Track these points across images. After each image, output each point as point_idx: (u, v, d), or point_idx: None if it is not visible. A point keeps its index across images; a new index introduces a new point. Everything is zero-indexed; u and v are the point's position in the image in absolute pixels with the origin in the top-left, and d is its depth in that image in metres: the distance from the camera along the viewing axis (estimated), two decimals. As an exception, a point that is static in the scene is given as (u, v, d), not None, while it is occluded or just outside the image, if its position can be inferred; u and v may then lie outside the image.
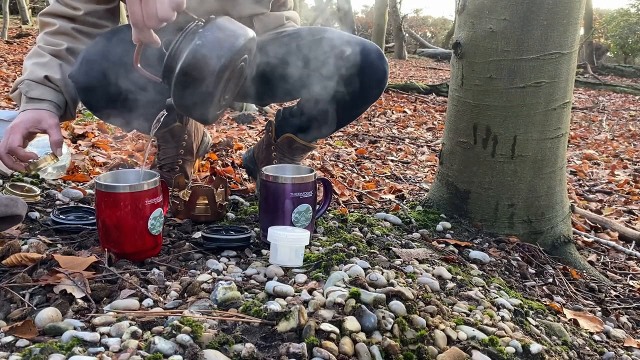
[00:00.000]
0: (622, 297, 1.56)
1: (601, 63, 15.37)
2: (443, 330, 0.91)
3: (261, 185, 1.30)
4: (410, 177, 2.95)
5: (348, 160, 3.21)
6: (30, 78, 1.39)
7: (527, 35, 1.56)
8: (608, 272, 1.76)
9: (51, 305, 0.90)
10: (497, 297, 1.16)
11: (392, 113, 5.76)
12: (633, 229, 2.25)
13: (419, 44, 18.84)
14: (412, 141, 4.23)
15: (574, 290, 1.50)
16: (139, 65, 1.13)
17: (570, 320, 1.25)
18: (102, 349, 0.77)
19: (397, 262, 1.23)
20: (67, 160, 1.89)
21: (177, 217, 1.45)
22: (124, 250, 1.12)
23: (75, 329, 0.82)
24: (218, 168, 2.31)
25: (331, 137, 3.90)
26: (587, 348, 1.11)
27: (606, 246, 2.00)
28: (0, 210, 1.09)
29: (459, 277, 1.22)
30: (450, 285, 1.16)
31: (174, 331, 0.78)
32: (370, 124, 4.96)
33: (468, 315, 1.02)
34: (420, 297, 0.99)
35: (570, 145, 4.48)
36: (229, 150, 2.75)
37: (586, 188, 3.16)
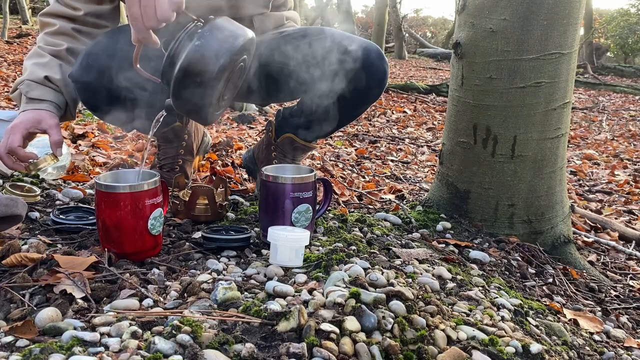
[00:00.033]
0: (622, 297, 1.56)
1: (601, 63, 15.38)
2: (443, 330, 0.91)
3: (261, 185, 1.30)
4: (410, 177, 2.95)
5: (348, 160, 3.21)
6: (30, 78, 1.39)
7: (527, 35, 1.56)
8: (608, 272, 1.76)
9: (51, 305, 0.90)
10: (497, 297, 1.16)
11: (392, 113, 5.76)
12: (633, 229, 2.25)
13: (419, 44, 18.84)
14: (412, 141, 4.23)
15: (574, 290, 1.50)
16: (138, 65, 1.13)
17: (570, 320, 1.25)
18: (102, 349, 0.77)
19: (397, 262, 1.23)
20: (67, 160, 1.89)
21: (177, 217, 1.45)
22: (124, 250, 1.12)
23: (75, 329, 0.82)
24: (218, 168, 2.31)
25: (331, 137, 3.90)
26: (587, 348, 1.11)
27: (606, 246, 2.00)
28: (0, 210, 1.09)
29: (459, 277, 1.22)
30: (450, 285, 1.16)
31: (174, 331, 0.78)
32: (370, 124, 4.96)
33: (468, 315, 1.02)
34: (420, 297, 0.99)
35: (570, 145, 4.48)
36: (229, 150, 2.76)
37: (586, 188, 3.16)
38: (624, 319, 1.39)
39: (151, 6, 1.00)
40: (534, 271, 1.54)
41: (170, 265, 1.13)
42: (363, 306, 0.88)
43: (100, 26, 1.51)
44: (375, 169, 3.08)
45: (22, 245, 1.13)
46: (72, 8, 1.46)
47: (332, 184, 1.53)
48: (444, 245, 1.50)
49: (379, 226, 1.54)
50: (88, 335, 0.79)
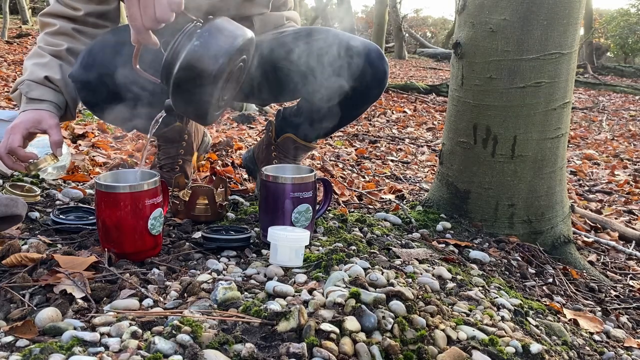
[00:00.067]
0: (622, 297, 1.56)
1: (601, 63, 15.38)
2: (443, 330, 0.91)
3: (261, 185, 1.30)
4: (410, 177, 2.95)
5: (348, 160, 3.21)
6: (30, 78, 1.39)
7: (527, 35, 1.56)
8: (608, 272, 1.76)
9: (51, 305, 0.90)
10: (497, 297, 1.16)
11: (392, 113, 5.76)
12: (633, 229, 2.25)
13: (419, 44, 18.84)
14: (412, 141, 4.23)
15: (574, 290, 1.50)
16: (137, 66, 1.13)
17: (570, 320, 1.25)
18: (102, 349, 0.77)
19: (397, 262, 1.23)
20: (67, 160, 1.89)
21: (177, 217, 1.45)
22: (124, 250, 1.12)
23: (75, 329, 0.82)
24: (218, 168, 2.31)
25: (331, 137, 3.90)
26: (587, 348, 1.11)
27: (606, 246, 2.00)
28: (0, 210, 1.09)
29: (459, 277, 1.22)
30: (450, 285, 1.16)
31: (174, 331, 0.78)
32: (370, 124, 4.96)
33: (468, 315, 1.02)
34: (420, 297, 0.99)
35: (570, 145, 4.48)
36: (229, 150, 2.76)
37: (586, 188, 3.16)
38: (624, 319, 1.39)
39: (150, 7, 1.00)
40: (534, 271, 1.54)
41: (170, 265, 1.13)
42: (363, 306, 0.88)
43: (101, 26, 1.51)
44: (375, 169, 3.08)
45: (22, 245, 1.13)
46: (72, 8, 1.46)
47: (332, 184, 1.53)
48: (444, 245, 1.50)
49: (379, 226, 1.54)
50: (88, 335, 0.79)
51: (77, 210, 1.38)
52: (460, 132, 1.71)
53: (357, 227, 1.49)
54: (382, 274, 1.05)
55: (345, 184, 2.41)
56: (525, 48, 1.57)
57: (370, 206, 1.99)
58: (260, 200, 1.33)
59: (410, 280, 1.10)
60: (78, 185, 1.77)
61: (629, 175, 3.52)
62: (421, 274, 1.16)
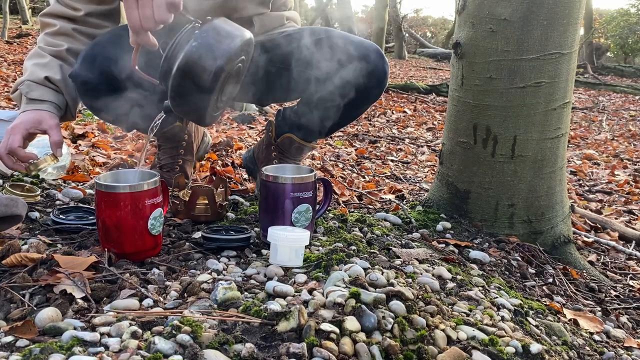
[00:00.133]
0: (622, 297, 1.56)
1: (601, 63, 15.38)
2: (443, 330, 0.91)
3: (261, 185, 1.30)
4: (410, 177, 2.95)
5: (348, 160, 3.21)
6: (30, 79, 1.39)
7: (527, 35, 1.56)
8: (608, 272, 1.76)
9: (51, 305, 0.90)
10: (497, 297, 1.16)
11: (392, 113, 5.76)
12: (633, 229, 2.25)
13: (419, 44, 18.84)
14: (412, 141, 4.23)
15: (574, 290, 1.50)
16: (136, 67, 1.13)
17: (570, 320, 1.25)
18: (102, 349, 0.77)
19: (397, 262, 1.23)
20: (67, 160, 1.89)
21: (177, 217, 1.45)
22: (124, 250, 1.12)
23: (75, 329, 0.82)
24: (218, 168, 2.31)
25: (331, 137, 3.90)
26: (587, 348, 1.11)
27: (606, 246, 2.00)
28: (0, 210, 1.09)
29: (459, 277, 1.22)
30: (450, 285, 1.16)
31: (174, 331, 0.78)
32: (370, 124, 4.96)
33: (468, 315, 1.02)
34: (420, 297, 0.99)
35: (570, 145, 4.48)
36: (229, 150, 2.76)
37: (586, 188, 3.16)
38: (624, 319, 1.39)
39: (148, 8, 1.00)
40: (534, 271, 1.54)
41: (170, 265, 1.13)
42: (363, 306, 0.88)
43: (101, 26, 1.51)
44: (375, 169, 3.08)
45: (22, 245, 1.13)
46: (72, 8, 1.46)
47: (332, 184, 1.53)
48: (444, 245, 1.50)
49: (379, 226, 1.54)
50: (88, 335, 0.79)
51: (77, 210, 1.38)
52: (460, 132, 1.71)
53: (357, 227, 1.49)
54: (382, 274, 1.05)
55: (345, 184, 2.41)
56: (525, 48, 1.57)
57: (370, 206, 1.99)
58: (260, 200, 1.33)
59: (410, 280, 1.10)
60: (78, 185, 1.77)
61: (629, 175, 3.52)
62: (421, 274, 1.16)
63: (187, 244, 1.25)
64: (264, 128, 3.62)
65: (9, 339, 0.80)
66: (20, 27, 11.45)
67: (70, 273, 0.98)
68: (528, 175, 1.66)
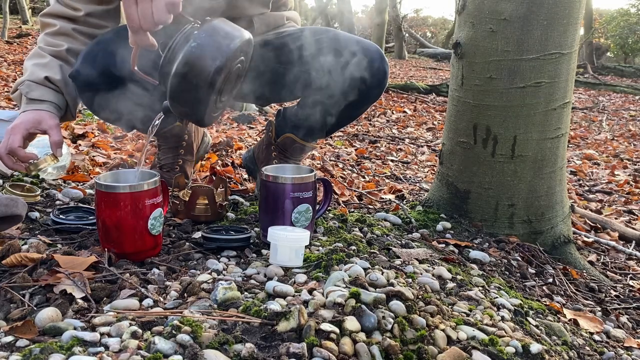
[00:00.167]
0: (622, 297, 1.56)
1: (601, 63, 15.38)
2: (443, 330, 0.91)
3: (261, 185, 1.30)
4: (410, 177, 2.95)
5: (348, 160, 3.21)
6: (30, 79, 1.39)
7: (527, 35, 1.56)
8: (608, 272, 1.76)
9: (51, 305, 0.90)
10: (497, 297, 1.16)
11: (392, 113, 5.76)
12: (633, 229, 2.25)
13: (419, 44, 18.84)
14: (412, 141, 4.23)
15: (574, 290, 1.50)
16: (136, 68, 1.13)
17: (570, 320, 1.25)
18: (102, 349, 0.77)
19: (397, 262, 1.23)
20: (67, 160, 1.89)
21: (177, 217, 1.45)
22: (124, 250, 1.12)
23: (75, 329, 0.82)
24: (218, 168, 2.31)
25: (331, 137, 3.90)
26: (587, 348, 1.11)
27: (606, 246, 2.00)
28: (0, 210, 1.09)
29: (459, 277, 1.22)
30: (450, 285, 1.16)
31: (174, 331, 0.78)
32: (370, 124, 4.96)
33: (468, 315, 1.02)
34: (420, 297, 0.99)
35: (570, 145, 4.48)
36: (229, 150, 2.76)
37: (586, 188, 3.16)
38: (624, 319, 1.39)
39: (148, 8, 1.00)
40: (534, 271, 1.54)
41: (170, 265, 1.13)
42: (363, 306, 0.88)
43: (101, 26, 1.51)
44: (375, 169, 3.08)
45: (22, 245, 1.13)
46: (72, 8, 1.46)
47: (332, 184, 1.53)
48: (444, 245, 1.50)
49: (379, 226, 1.54)
50: (88, 335, 0.79)
51: (77, 210, 1.38)
52: (460, 132, 1.71)
53: (357, 227, 1.49)
54: (382, 274, 1.05)
55: (345, 184, 2.41)
56: (525, 48, 1.57)
57: (370, 206, 1.99)
58: (260, 200, 1.33)
59: (410, 280, 1.10)
60: (78, 185, 1.77)
61: (629, 175, 3.52)
62: (421, 274, 1.16)
63: (187, 244, 1.25)
64: (264, 128, 3.62)
65: (9, 339, 0.80)
66: (20, 27, 11.45)
67: (70, 273, 0.98)
68: (528, 175, 1.66)
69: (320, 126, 1.61)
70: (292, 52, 1.54)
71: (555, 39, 1.56)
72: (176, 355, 0.74)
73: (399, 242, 1.40)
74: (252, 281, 1.05)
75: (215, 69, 1.10)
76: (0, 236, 1.18)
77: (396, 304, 0.92)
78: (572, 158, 4.02)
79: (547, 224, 1.71)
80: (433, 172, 3.10)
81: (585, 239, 2.02)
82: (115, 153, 2.54)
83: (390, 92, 7.23)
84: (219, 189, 1.56)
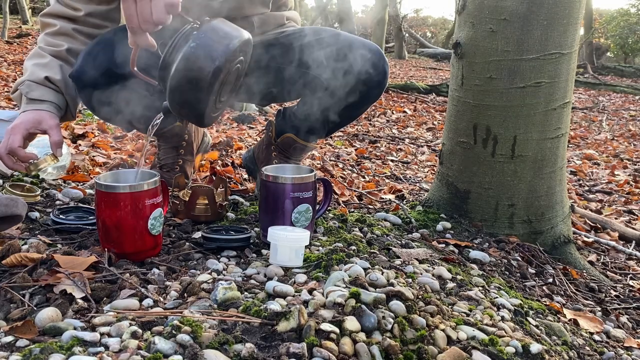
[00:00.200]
0: (622, 297, 1.56)
1: (601, 63, 15.38)
2: (443, 330, 0.91)
3: (261, 185, 1.30)
4: (410, 177, 2.95)
5: (348, 160, 3.21)
6: (30, 79, 1.39)
7: (527, 35, 1.56)
8: (608, 272, 1.76)
9: (51, 305, 0.90)
10: (497, 297, 1.16)
11: (392, 113, 5.77)
12: (633, 229, 2.25)
13: (419, 44, 18.84)
14: (412, 141, 4.23)
15: (574, 290, 1.50)
16: (135, 68, 1.13)
17: (570, 320, 1.25)
18: (102, 349, 0.77)
19: (397, 262, 1.23)
20: (67, 160, 1.89)
21: (177, 217, 1.45)
22: (124, 250, 1.12)
23: (75, 329, 0.82)
24: (218, 168, 2.31)
25: (331, 137, 3.90)
26: (587, 348, 1.11)
27: (606, 246, 2.00)
28: (0, 210, 1.09)
29: (459, 277, 1.22)
30: (450, 285, 1.16)
31: (174, 331, 0.78)
32: (370, 124, 4.96)
33: (468, 315, 1.02)
34: (420, 297, 0.99)
35: (570, 145, 4.48)
36: (229, 150, 2.76)
37: (586, 188, 3.16)
38: (624, 319, 1.39)
39: (147, 9, 1.00)
40: (534, 271, 1.54)
41: (170, 265, 1.13)
42: (363, 306, 0.88)
43: (101, 26, 1.51)
44: (375, 169, 3.08)
45: (22, 245, 1.13)
46: (72, 8, 1.46)
47: (332, 184, 1.53)
48: (444, 245, 1.50)
49: (379, 226, 1.54)
50: (88, 335, 0.79)
51: (77, 210, 1.38)
52: (460, 132, 1.71)
53: (357, 227, 1.49)
54: (382, 274, 1.05)
55: (345, 184, 2.41)
56: (525, 48, 1.57)
57: (370, 206, 1.99)
58: (260, 200, 1.33)
59: (410, 280, 1.10)
60: (78, 185, 1.77)
61: (629, 175, 3.52)
62: (421, 274, 1.16)
63: (187, 244, 1.25)
64: (264, 128, 3.62)
65: (9, 339, 0.80)
66: (20, 27, 11.45)
67: (70, 273, 0.98)
68: (528, 175, 1.66)
69: (320, 126, 1.61)
70: (292, 52, 1.54)
71: (555, 39, 1.56)
72: (176, 355, 0.74)
73: (399, 242, 1.40)
74: (252, 281, 1.05)
75: (215, 70, 1.10)
76: (0, 236, 1.18)
77: (396, 304, 0.92)
78: (572, 158, 4.02)
79: (547, 224, 1.71)
80: (433, 172, 3.10)
81: (585, 239, 2.02)
82: (115, 153, 2.54)
83: (390, 92, 7.23)
84: (219, 189, 1.56)
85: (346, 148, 3.66)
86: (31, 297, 0.94)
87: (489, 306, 1.09)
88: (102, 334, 0.80)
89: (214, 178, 1.94)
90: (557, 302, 1.37)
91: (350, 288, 0.94)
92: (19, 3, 13.01)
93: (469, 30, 1.65)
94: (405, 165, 3.35)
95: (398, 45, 16.08)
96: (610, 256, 1.94)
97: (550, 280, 1.50)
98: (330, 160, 3.08)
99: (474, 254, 1.47)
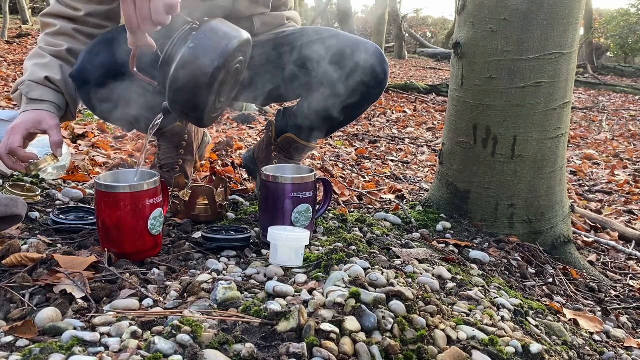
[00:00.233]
0: (622, 297, 1.56)
1: (601, 63, 15.38)
2: (443, 330, 0.91)
3: (261, 185, 1.30)
4: (410, 177, 2.95)
5: (348, 160, 3.21)
6: (30, 79, 1.39)
7: (527, 35, 1.56)
8: (608, 272, 1.76)
9: (51, 305, 0.90)
10: (497, 297, 1.16)
11: (392, 113, 5.76)
12: (633, 229, 2.25)
13: (419, 44, 18.85)
14: (412, 141, 4.23)
15: (574, 290, 1.50)
16: (135, 69, 1.13)
17: (570, 320, 1.25)
18: (102, 349, 0.77)
19: (397, 262, 1.23)
20: (67, 160, 1.89)
21: (177, 217, 1.45)
22: (124, 250, 1.12)
23: (75, 329, 0.82)
24: (218, 168, 2.31)
25: (331, 137, 3.90)
26: (587, 348, 1.11)
27: (606, 246, 2.00)
28: (0, 210, 1.09)
29: (459, 277, 1.22)
30: (450, 285, 1.16)
31: (174, 331, 0.78)
32: (370, 124, 4.96)
33: (468, 315, 1.02)
34: (420, 297, 0.99)
35: (570, 145, 4.48)
36: (229, 150, 2.76)
37: (586, 188, 3.16)
38: (624, 319, 1.39)
39: (146, 9, 1.00)
40: (534, 271, 1.54)
41: (170, 265, 1.13)
42: (363, 306, 0.88)
43: (101, 26, 1.51)
44: (375, 169, 3.08)
45: (22, 245, 1.13)
46: (72, 8, 1.46)
47: (332, 184, 1.53)
48: (444, 245, 1.50)
49: (379, 226, 1.54)
50: (88, 335, 0.79)
51: (77, 210, 1.38)
52: (460, 132, 1.71)
53: (357, 227, 1.49)
54: (382, 274, 1.05)
55: (345, 184, 2.41)
56: (525, 48, 1.57)
57: (370, 206, 1.99)
58: (260, 200, 1.33)
59: (410, 280, 1.10)
60: (78, 185, 1.77)
61: (629, 175, 3.52)
62: (421, 274, 1.16)
63: (187, 244, 1.25)
64: (264, 128, 3.62)
65: (9, 339, 0.80)
66: (20, 27, 11.45)
67: (70, 273, 0.98)
68: (528, 175, 1.66)
69: (320, 126, 1.61)
70: (292, 52, 1.54)
71: (555, 39, 1.56)
72: (176, 355, 0.74)
73: (399, 242, 1.40)
74: (252, 281, 1.05)
75: (214, 70, 1.10)
76: (0, 236, 1.18)
77: (396, 304, 0.92)
78: (572, 158, 4.02)
79: (547, 224, 1.71)
80: (433, 172, 3.10)
81: (585, 239, 2.02)
82: (115, 153, 2.54)
83: (390, 92, 7.23)
84: (219, 189, 1.56)
85: (346, 148, 3.66)
86: (31, 297, 0.94)
87: (489, 306, 1.09)
88: (102, 334, 0.80)
89: (214, 178, 1.94)
90: (557, 302, 1.37)
91: (350, 288, 0.94)
92: (19, 3, 13.01)
93: (469, 30, 1.65)
94: (405, 165, 3.35)
95: (398, 45, 16.08)
96: (610, 256, 1.94)
97: (550, 280, 1.50)
98: (330, 160, 3.08)
99: (474, 254, 1.47)
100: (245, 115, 4.30)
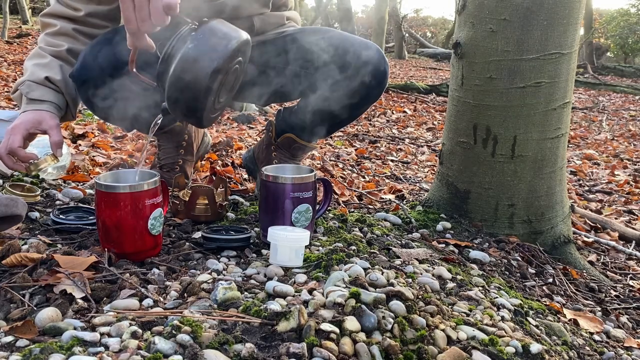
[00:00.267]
0: (622, 297, 1.56)
1: (601, 63, 15.38)
2: (443, 330, 0.91)
3: (261, 185, 1.31)
4: (410, 177, 2.95)
5: (348, 160, 3.21)
6: (30, 79, 1.39)
7: (527, 35, 1.56)
8: (608, 272, 1.76)
9: (51, 305, 0.90)
10: (497, 297, 1.16)
11: (392, 113, 5.76)
12: (633, 229, 2.25)
13: (419, 44, 18.85)
14: (412, 141, 4.23)
15: (574, 290, 1.50)
16: (134, 69, 1.13)
17: (570, 320, 1.25)
18: (102, 349, 0.77)
19: (397, 262, 1.23)
20: (67, 160, 1.89)
21: (177, 217, 1.45)
22: (124, 250, 1.12)
23: (75, 329, 0.82)
24: (218, 168, 2.31)
25: (331, 137, 3.90)
26: (587, 348, 1.11)
27: (606, 246, 2.00)
28: (0, 210, 1.09)
29: (459, 277, 1.22)
30: (450, 285, 1.16)
31: (174, 331, 0.78)
32: (370, 124, 4.96)
33: (468, 315, 1.02)
34: (420, 297, 0.99)
35: (570, 145, 4.48)
36: (229, 150, 2.76)
37: (586, 188, 3.16)
38: (624, 319, 1.39)
39: (145, 10, 1.00)
40: (534, 271, 1.54)
41: (170, 265, 1.13)
42: (363, 306, 0.88)
43: (101, 27, 1.51)
44: (375, 169, 3.08)
45: (22, 245, 1.13)
46: (72, 8, 1.46)
47: (332, 184, 1.53)
48: (444, 245, 1.50)
49: (379, 226, 1.54)
50: (88, 335, 0.79)
51: (77, 210, 1.38)
52: (460, 132, 1.71)
53: (357, 227, 1.49)
54: (382, 274, 1.05)
55: (345, 184, 2.41)
56: (525, 48, 1.57)
57: (370, 206, 1.99)
58: (260, 200, 1.33)
59: (410, 280, 1.10)
60: (78, 185, 1.77)
61: (629, 175, 3.52)
62: (421, 274, 1.16)
63: (187, 244, 1.25)
64: (264, 128, 3.62)
65: (9, 339, 0.80)
66: (20, 27, 11.46)
67: (70, 273, 0.98)
68: (528, 175, 1.66)
69: (320, 126, 1.61)
70: (292, 52, 1.54)
71: (555, 39, 1.56)
72: (176, 355, 0.74)
73: (399, 242, 1.40)
74: (252, 281, 1.05)
75: (213, 70, 1.10)
76: (0, 236, 1.18)
77: (396, 304, 0.92)
78: (572, 158, 4.02)
79: (547, 224, 1.71)
80: (433, 172, 3.10)
81: (585, 239, 2.02)
82: (115, 153, 2.54)
83: (390, 92, 7.23)
84: (219, 189, 1.56)
85: (346, 148, 3.66)
86: (31, 297, 0.94)
87: (489, 306, 1.09)
88: (102, 334, 0.80)
89: (214, 178, 1.94)
90: (557, 302, 1.37)
91: (350, 288, 0.94)
92: (19, 3, 13.01)
93: (469, 30, 1.65)
94: (405, 165, 3.35)
95: (398, 45, 16.09)
96: (610, 256, 1.94)
97: (550, 280, 1.50)
98: (330, 160, 3.08)
99: (474, 254, 1.47)
100: (245, 115, 4.30)
